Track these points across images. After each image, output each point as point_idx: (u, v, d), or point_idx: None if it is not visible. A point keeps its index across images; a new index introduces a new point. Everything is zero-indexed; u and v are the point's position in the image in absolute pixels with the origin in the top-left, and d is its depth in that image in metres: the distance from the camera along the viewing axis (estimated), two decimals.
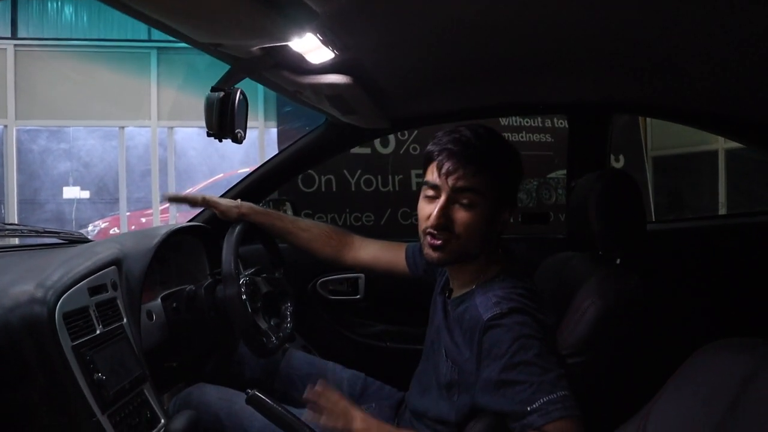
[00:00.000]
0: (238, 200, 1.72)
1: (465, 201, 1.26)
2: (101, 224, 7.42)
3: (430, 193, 1.30)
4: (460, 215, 1.26)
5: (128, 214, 7.10)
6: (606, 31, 1.30)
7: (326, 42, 1.14)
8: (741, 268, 2.04)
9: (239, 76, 1.25)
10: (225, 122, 1.21)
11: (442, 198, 1.26)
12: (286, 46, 1.13)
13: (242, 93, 1.25)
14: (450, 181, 1.25)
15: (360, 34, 1.21)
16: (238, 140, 1.26)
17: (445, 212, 1.26)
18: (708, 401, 0.81)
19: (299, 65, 1.27)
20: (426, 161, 1.32)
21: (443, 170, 1.25)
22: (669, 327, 1.71)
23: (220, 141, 1.25)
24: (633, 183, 1.42)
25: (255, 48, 1.10)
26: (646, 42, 1.35)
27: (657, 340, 1.50)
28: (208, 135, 1.23)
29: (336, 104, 1.54)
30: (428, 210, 1.29)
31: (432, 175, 1.28)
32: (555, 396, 1.11)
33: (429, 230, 1.29)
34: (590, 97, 1.97)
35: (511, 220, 1.35)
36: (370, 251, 1.73)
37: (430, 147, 1.30)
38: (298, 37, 1.06)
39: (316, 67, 1.29)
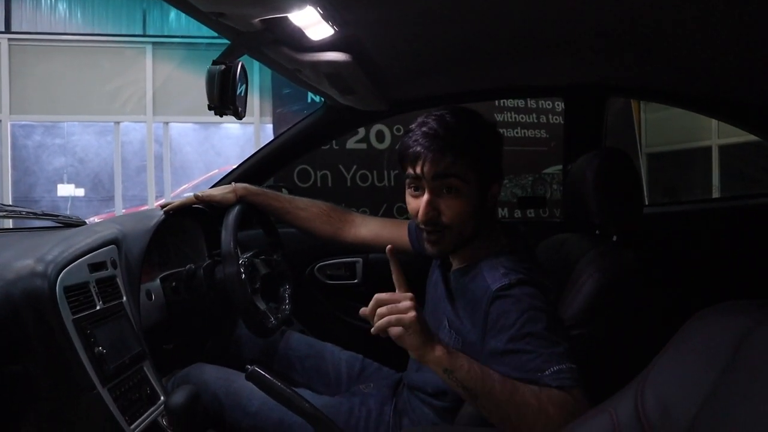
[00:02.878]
0: (232, 183, 1.72)
1: (448, 190, 1.27)
2: (96, 221, 7.38)
3: (413, 186, 1.31)
4: (447, 205, 1.27)
5: (123, 211, 7.09)
6: (603, 14, 1.31)
7: (326, 16, 1.15)
8: (733, 248, 2.07)
9: (239, 52, 1.25)
10: (226, 96, 1.22)
11: (426, 193, 1.28)
12: (287, 20, 1.14)
13: (243, 67, 1.25)
14: (428, 173, 1.26)
15: (360, 10, 1.22)
16: (238, 115, 1.27)
17: (431, 205, 1.27)
18: (705, 360, 0.82)
19: (299, 41, 1.28)
20: (402, 158, 1.32)
21: (418, 165, 1.27)
22: (664, 302, 1.73)
23: (221, 116, 1.26)
24: (630, 161, 1.43)
25: (256, 20, 1.11)
26: (643, 24, 1.36)
27: (653, 313, 1.52)
28: (209, 108, 1.23)
29: (335, 83, 1.54)
30: (415, 205, 1.31)
31: (411, 170, 1.29)
32: (564, 366, 1.11)
33: (421, 226, 1.31)
34: (586, 80, 1.98)
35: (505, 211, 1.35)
36: (372, 228, 1.71)
37: (404, 142, 1.31)
38: (299, 9, 1.07)
39: (316, 43, 1.30)
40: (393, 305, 1.09)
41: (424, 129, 1.27)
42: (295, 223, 1.74)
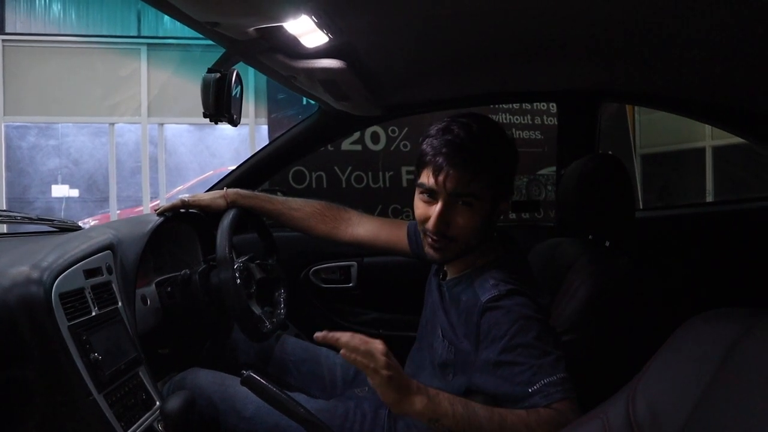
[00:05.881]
0: (224, 189, 1.71)
1: (463, 204, 1.24)
2: (91, 222, 7.38)
3: (426, 195, 1.28)
4: (459, 219, 1.25)
5: (118, 212, 7.08)
6: (596, 20, 1.31)
7: (321, 25, 1.16)
8: (726, 253, 2.08)
9: (235, 59, 1.26)
10: (221, 103, 1.23)
11: (440, 204, 1.24)
12: (282, 28, 1.14)
13: (238, 75, 1.26)
14: (447, 187, 1.23)
15: (354, 18, 1.22)
16: (233, 122, 1.28)
17: (443, 218, 1.25)
18: (695, 367, 0.83)
19: (294, 49, 1.28)
20: (420, 163, 1.28)
21: (439, 177, 1.22)
22: (656, 307, 1.74)
23: (216, 123, 1.27)
24: (622, 166, 1.44)
25: (251, 29, 1.12)
26: (636, 30, 1.37)
27: (645, 319, 1.53)
28: (205, 116, 1.24)
29: (329, 89, 1.55)
30: (425, 212, 1.28)
31: (428, 179, 1.25)
32: (555, 378, 1.12)
33: (428, 234, 1.29)
34: (580, 85, 1.99)
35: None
36: (369, 228, 1.68)
37: (424, 148, 1.26)
38: (294, 18, 1.08)
39: (311, 51, 1.30)
40: (370, 356, 1.06)
41: (448, 137, 1.23)
42: (290, 224, 1.73)
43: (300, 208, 1.73)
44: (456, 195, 1.23)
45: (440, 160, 1.22)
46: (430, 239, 1.29)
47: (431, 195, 1.26)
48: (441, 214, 1.24)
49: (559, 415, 1.09)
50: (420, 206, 1.30)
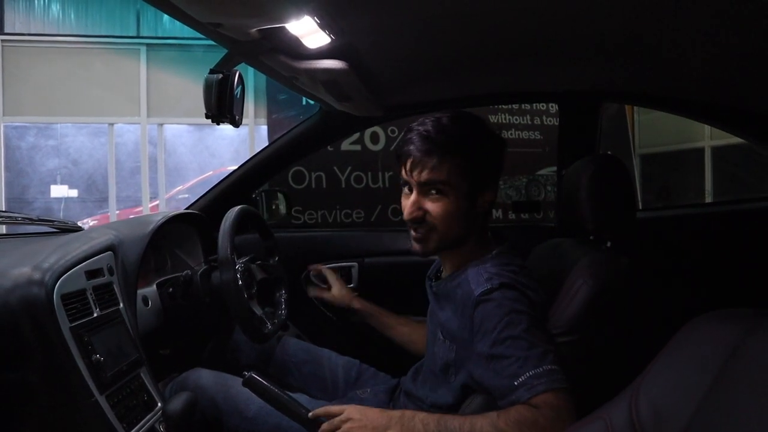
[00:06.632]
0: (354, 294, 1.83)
1: (434, 192, 1.30)
2: (90, 222, 7.37)
3: (405, 188, 1.35)
4: (432, 206, 1.31)
5: (117, 212, 7.07)
6: (596, 20, 1.32)
7: (323, 26, 1.15)
8: (727, 253, 2.08)
9: (237, 60, 1.26)
10: (223, 104, 1.23)
11: (414, 193, 1.32)
12: (284, 29, 1.14)
13: (240, 76, 1.26)
14: (415, 176, 1.30)
15: (356, 19, 1.22)
16: (235, 123, 1.28)
17: (418, 205, 1.31)
18: (698, 368, 0.83)
19: (296, 50, 1.28)
20: (397, 159, 1.37)
21: (410, 167, 1.31)
22: (658, 308, 1.74)
23: (219, 124, 1.27)
24: (623, 167, 1.45)
25: (253, 30, 1.12)
26: (636, 30, 1.37)
27: (646, 320, 1.53)
28: (207, 117, 1.24)
29: (331, 90, 1.55)
30: (405, 203, 1.35)
31: (403, 172, 1.34)
32: (541, 370, 1.14)
33: (408, 223, 1.35)
34: (581, 86, 1.99)
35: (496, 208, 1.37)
36: (418, 335, 1.71)
37: (399, 144, 1.35)
38: (296, 19, 1.08)
39: (313, 52, 1.30)
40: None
41: (419, 128, 1.31)
42: (396, 335, 1.78)
43: (407, 323, 1.78)
44: (426, 183, 1.30)
45: (409, 150, 1.31)
46: (412, 232, 1.36)
47: (409, 188, 1.34)
48: (414, 202, 1.32)
49: (533, 412, 1.11)
50: (402, 200, 1.37)
